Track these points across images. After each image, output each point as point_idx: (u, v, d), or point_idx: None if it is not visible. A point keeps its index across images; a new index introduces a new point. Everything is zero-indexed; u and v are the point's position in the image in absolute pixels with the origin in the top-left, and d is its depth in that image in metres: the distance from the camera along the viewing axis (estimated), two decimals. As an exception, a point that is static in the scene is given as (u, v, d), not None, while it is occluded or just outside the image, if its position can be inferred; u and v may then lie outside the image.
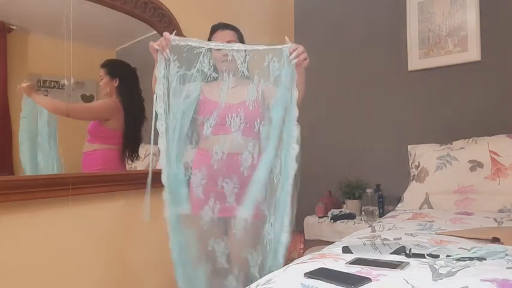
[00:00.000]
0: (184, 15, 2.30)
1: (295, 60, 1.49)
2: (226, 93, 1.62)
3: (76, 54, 1.78)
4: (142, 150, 2.17)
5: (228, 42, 1.66)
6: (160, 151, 1.55)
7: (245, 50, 1.57)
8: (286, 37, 1.55)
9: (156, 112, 1.51)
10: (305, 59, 1.51)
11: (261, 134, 1.63)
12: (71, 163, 1.84)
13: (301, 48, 1.51)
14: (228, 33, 1.74)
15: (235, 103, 1.64)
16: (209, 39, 1.75)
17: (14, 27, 1.66)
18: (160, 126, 1.51)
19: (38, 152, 1.76)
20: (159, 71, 1.49)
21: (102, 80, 2.03)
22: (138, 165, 2.20)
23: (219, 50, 1.61)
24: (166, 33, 1.52)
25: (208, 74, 1.61)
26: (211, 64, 1.61)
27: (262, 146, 1.62)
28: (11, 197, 1.51)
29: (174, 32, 1.55)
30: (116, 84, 2.04)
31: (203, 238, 1.62)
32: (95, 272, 1.82)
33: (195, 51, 1.55)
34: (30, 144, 1.73)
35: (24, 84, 1.70)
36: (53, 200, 1.65)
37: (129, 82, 2.09)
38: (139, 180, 1.99)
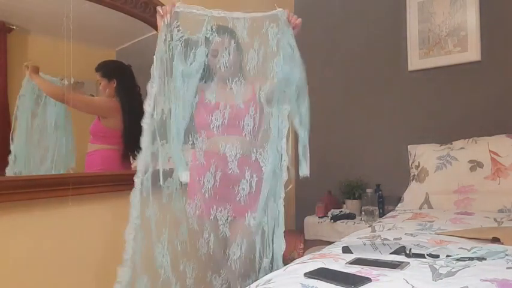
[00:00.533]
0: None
1: (296, 22, 1.59)
2: (227, 92, 1.62)
3: (76, 54, 1.78)
4: None
5: (225, 48, 1.63)
6: (144, 130, 1.50)
7: (244, 18, 1.57)
8: (275, 5, 1.58)
9: (152, 83, 1.46)
10: (297, 19, 1.61)
11: (260, 133, 1.65)
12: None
13: (290, 12, 1.58)
14: (222, 40, 1.64)
15: (238, 103, 1.63)
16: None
17: (14, 27, 1.66)
18: (147, 106, 1.48)
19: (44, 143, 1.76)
20: (160, 36, 1.46)
21: (100, 83, 2.03)
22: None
23: (215, 56, 1.62)
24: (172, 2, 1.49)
25: (206, 63, 1.57)
26: (214, 30, 1.54)
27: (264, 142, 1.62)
28: (11, 197, 1.50)
29: (180, 1, 1.51)
30: (115, 86, 2.04)
31: (207, 206, 1.60)
32: (94, 272, 1.82)
33: (199, 19, 1.52)
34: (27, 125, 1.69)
35: (30, 64, 1.69)
36: (53, 200, 1.65)
37: (126, 81, 2.08)
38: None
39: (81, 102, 1.95)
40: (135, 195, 1.45)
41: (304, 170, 1.63)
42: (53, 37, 1.79)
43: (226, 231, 1.60)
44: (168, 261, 1.54)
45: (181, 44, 1.47)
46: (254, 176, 1.60)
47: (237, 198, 1.59)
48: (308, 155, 1.59)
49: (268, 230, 1.62)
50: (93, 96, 2.00)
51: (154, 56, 1.46)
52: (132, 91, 2.09)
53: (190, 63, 1.49)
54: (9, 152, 1.60)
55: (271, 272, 1.45)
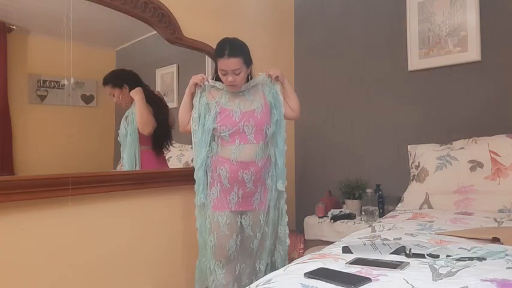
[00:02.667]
0: (184, 15, 2.30)
1: (272, 78, 2.01)
2: (240, 115, 1.93)
3: (76, 54, 1.78)
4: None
5: (233, 70, 1.85)
6: (194, 156, 1.98)
7: (246, 87, 1.98)
8: (259, 73, 2.03)
9: (192, 129, 1.95)
10: (274, 73, 1.99)
11: (267, 135, 1.99)
12: (70, 163, 1.84)
13: (269, 70, 2.01)
14: (233, 63, 1.85)
15: (248, 110, 1.94)
16: (215, 58, 1.94)
17: (14, 27, 1.66)
18: (194, 138, 1.95)
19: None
20: (196, 100, 1.94)
21: (114, 96, 2.07)
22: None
23: (224, 75, 1.89)
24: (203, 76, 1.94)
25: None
26: (227, 98, 1.96)
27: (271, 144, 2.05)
28: (11, 197, 1.51)
29: (210, 77, 1.99)
30: (128, 91, 2.07)
31: (233, 216, 1.95)
32: (94, 271, 1.82)
33: (217, 89, 1.97)
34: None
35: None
36: (53, 200, 1.65)
37: (137, 83, 2.12)
38: (138, 180, 2.00)
39: (148, 117, 2.09)
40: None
41: (280, 186, 2.07)
42: (53, 37, 1.79)
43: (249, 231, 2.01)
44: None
45: (204, 107, 1.94)
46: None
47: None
48: (284, 175, 2.07)
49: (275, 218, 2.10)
50: (93, 96, 2.00)
51: (191, 117, 1.95)
52: (146, 89, 2.13)
53: (207, 120, 1.93)
54: (11, 151, 1.61)
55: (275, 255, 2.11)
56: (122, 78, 2.08)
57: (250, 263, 2.05)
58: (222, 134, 1.90)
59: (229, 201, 1.92)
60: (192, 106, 1.95)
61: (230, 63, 1.83)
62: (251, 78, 2.02)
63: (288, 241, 2.11)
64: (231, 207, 1.92)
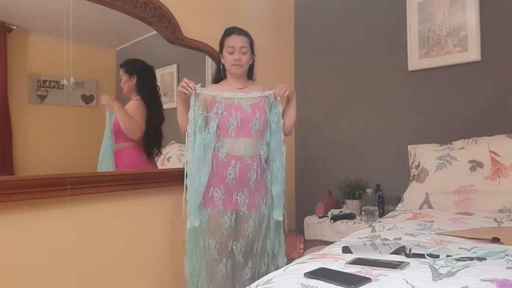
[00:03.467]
0: (184, 15, 2.30)
1: (278, 98, 1.91)
2: (236, 129, 1.87)
3: (76, 54, 1.78)
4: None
5: (241, 47, 1.88)
6: (188, 175, 1.86)
7: (246, 98, 1.90)
8: (268, 89, 1.97)
9: (186, 144, 1.86)
10: (285, 90, 1.90)
11: (262, 152, 1.92)
12: (70, 163, 1.84)
13: (280, 86, 1.92)
14: (241, 40, 1.90)
15: (244, 125, 1.88)
16: (222, 41, 1.95)
17: (14, 27, 1.66)
18: (189, 155, 1.86)
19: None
20: (190, 113, 1.85)
21: (122, 79, 2.07)
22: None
23: (231, 53, 1.90)
24: (190, 83, 1.83)
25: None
26: (224, 106, 1.88)
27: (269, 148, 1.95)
28: (11, 197, 1.51)
29: (199, 84, 1.86)
30: (134, 82, 2.07)
31: (224, 240, 1.87)
32: (94, 271, 1.82)
33: (212, 100, 1.88)
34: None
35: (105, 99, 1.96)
36: (52, 200, 1.65)
37: (147, 79, 2.13)
38: (137, 180, 2.00)
39: (133, 124, 2.05)
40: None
41: (277, 216, 1.95)
42: (53, 37, 1.79)
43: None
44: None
45: (201, 119, 1.86)
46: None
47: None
48: (282, 202, 1.94)
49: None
50: (93, 96, 2.00)
51: (186, 132, 1.86)
52: (152, 90, 2.14)
53: (207, 135, 1.86)
54: (11, 151, 1.61)
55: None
56: (135, 69, 2.08)
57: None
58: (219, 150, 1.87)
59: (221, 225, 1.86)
60: (187, 111, 1.89)
61: (238, 39, 1.89)
62: (253, 71, 2.03)
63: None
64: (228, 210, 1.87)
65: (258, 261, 1.96)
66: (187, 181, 1.85)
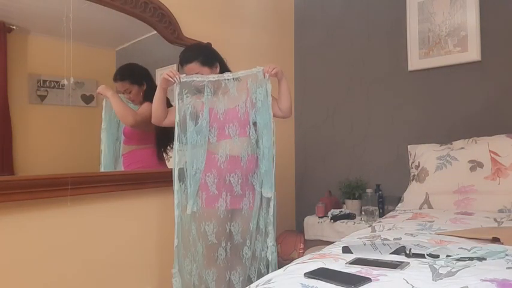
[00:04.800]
0: (184, 15, 2.30)
1: (267, 75, 1.87)
2: (224, 114, 1.90)
3: (76, 54, 1.78)
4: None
5: (197, 73, 1.89)
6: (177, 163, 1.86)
7: (232, 78, 1.90)
8: (257, 66, 1.90)
9: (176, 134, 1.85)
10: (274, 68, 1.87)
11: (251, 133, 1.92)
12: (70, 163, 1.84)
13: (270, 64, 1.89)
14: (191, 67, 1.92)
15: (231, 107, 1.90)
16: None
17: (14, 27, 1.66)
18: (180, 145, 1.87)
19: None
20: (177, 103, 1.86)
21: (130, 92, 2.06)
22: None
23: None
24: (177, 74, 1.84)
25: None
26: (212, 91, 1.90)
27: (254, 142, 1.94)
28: (11, 197, 1.51)
29: (184, 74, 1.87)
30: (145, 89, 2.09)
31: (222, 223, 1.88)
32: (94, 271, 1.82)
33: (200, 84, 1.88)
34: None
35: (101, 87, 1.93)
36: (52, 200, 1.65)
37: (153, 82, 2.13)
38: (137, 180, 2.00)
39: (143, 122, 2.02)
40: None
41: (266, 193, 1.92)
42: (53, 37, 1.79)
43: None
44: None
45: (191, 106, 1.89)
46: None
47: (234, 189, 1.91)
48: (271, 179, 1.90)
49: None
50: (93, 96, 2.00)
51: (176, 122, 1.85)
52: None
53: (200, 122, 1.87)
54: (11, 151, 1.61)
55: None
56: (142, 76, 2.09)
57: (243, 270, 1.96)
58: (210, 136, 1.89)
59: (218, 201, 1.87)
60: (165, 100, 1.91)
61: (189, 68, 1.91)
62: (227, 68, 2.02)
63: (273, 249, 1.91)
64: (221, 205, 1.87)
65: (254, 240, 1.94)
66: (186, 168, 1.86)
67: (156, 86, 2.00)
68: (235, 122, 1.89)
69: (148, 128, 2.05)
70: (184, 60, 1.94)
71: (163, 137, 2.14)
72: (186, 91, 1.88)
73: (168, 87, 1.89)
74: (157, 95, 1.89)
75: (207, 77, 1.89)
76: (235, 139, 1.88)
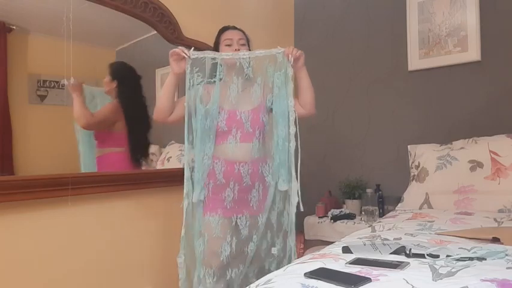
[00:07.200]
0: (184, 15, 2.30)
1: (291, 58, 1.68)
2: (237, 97, 1.74)
3: (76, 54, 1.78)
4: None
5: (239, 39, 1.80)
6: (188, 149, 1.73)
7: (249, 57, 1.71)
8: (278, 46, 1.72)
9: (186, 116, 1.70)
10: (298, 50, 1.69)
11: (266, 121, 1.80)
12: (70, 163, 1.84)
13: (291, 47, 1.71)
14: (238, 33, 1.85)
15: (249, 109, 1.77)
16: (217, 39, 1.87)
17: (14, 27, 1.66)
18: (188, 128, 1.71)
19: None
20: (187, 84, 1.69)
21: (108, 87, 2.03)
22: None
23: (229, 45, 1.79)
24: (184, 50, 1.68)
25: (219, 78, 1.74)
26: (224, 70, 1.73)
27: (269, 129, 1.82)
28: (11, 197, 1.51)
29: (193, 48, 1.71)
30: (114, 86, 2.03)
31: (228, 215, 1.76)
32: (94, 271, 1.82)
33: (212, 62, 1.71)
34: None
35: (71, 81, 1.79)
36: (53, 200, 1.65)
37: (128, 85, 2.06)
38: (138, 180, 2.00)
39: (98, 124, 1.96)
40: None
41: (281, 187, 1.79)
42: (53, 37, 1.79)
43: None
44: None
45: (202, 87, 1.72)
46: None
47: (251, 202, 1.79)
48: (284, 172, 1.78)
49: (276, 223, 1.84)
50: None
51: (185, 103, 1.70)
52: (134, 95, 2.08)
53: (209, 104, 1.72)
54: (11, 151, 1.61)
55: (283, 259, 1.80)
56: (116, 74, 2.03)
57: (244, 268, 1.82)
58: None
59: (223, 199, 1.73)
60: (174, 90, 1.72)
61: (235, 33, 1.84)
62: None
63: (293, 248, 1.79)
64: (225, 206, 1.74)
65: (260, 236, 1.79)
66: (194, 154, 1.72)
67: (135, 90, 2.00)
68: (248, 110, 1.74)
69: (119, 127, 2.00)
70: (233, 27, 1.86)
71: (136, 141, 2.06)
72: (198, 69, 1.69)
73: (180, 71, 1.68)
74: (166, 84, 1.71)
75: (220, 54, 1.72)
76: (247, 125, 1.73)
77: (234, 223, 1.77)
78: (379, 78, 2.85)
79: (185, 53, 1.65)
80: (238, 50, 1.76)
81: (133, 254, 2.00)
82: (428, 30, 2.63)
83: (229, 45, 1.80)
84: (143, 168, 2.14)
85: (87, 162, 1.93)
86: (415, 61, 2.67)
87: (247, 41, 1.87)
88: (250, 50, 1.84)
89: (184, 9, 2.32)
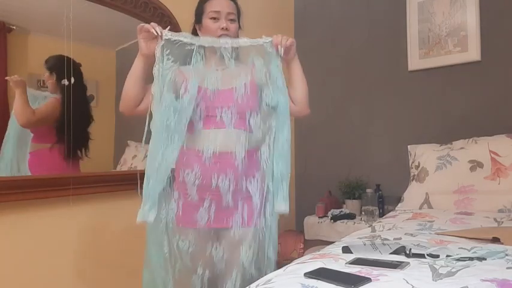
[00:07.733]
0: (184, 15, 2.30)
1: (281, 48, 1.40)
2: (215, 76, 1.41)
3: (76, 54, 1.78)
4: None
5: (228, 13, 1.44)
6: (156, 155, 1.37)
7: (231, 47, 1.41)
8: (263, 36, 1.44)
9: (151, 111, 1.35)
10: (288, 39, 1.41)
11: (252, 124, 1.42)
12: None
13: (279, 35, 1.41)
14: (228, 4, 1.47)
15: (226, 88, 1.42)
16: (200, 8, 1.50)
17: (14, 27, 1.66)
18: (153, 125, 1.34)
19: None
20: (156, 68, 1.35)
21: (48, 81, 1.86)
22: (139, 166, 2.18)
23: (215, 20, 1.44)
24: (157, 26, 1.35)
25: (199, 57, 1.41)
26: (204, 59, 1.42)
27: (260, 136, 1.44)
28: (11, 197, 1.51)
29: (168, 27, 1.38)
30: (54, 79, 1.84)
31: (201, 243, 1.41)
32: (95, 271, 1.82)
33: (186, 48, 1.38)
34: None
35: (14, 78, 1.63)
36: (54, 200, 1.65)
37: (68, 77, 1.86)
38: (137, 180, 1.99)
39: (39, 122, 1.80)
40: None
41: (279, 206, 1.40)
42: (53, 37, 1.79)
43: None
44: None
45: (171, 73, 1.36)
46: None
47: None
48: (286, 188, 1.40)
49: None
50: (93, 96, 1.99)
51: (152, 93, 1.36)
52: (75, 89, 1.88)
53: (182, 95, 1.35)
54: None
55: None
56: (53, 66, 1.84)
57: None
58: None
59: (197, 214, 1.39)
60: (142, 76, 1.38)
61: (225, 3, 1.44)
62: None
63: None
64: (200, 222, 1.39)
65: (246, 271, 1.40)
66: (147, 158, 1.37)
67: (77, 82, 1.81)
68: (231, 107, 1.38)
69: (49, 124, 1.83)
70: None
71: (74, 136, 1.84)
72: (168, 52, 1.35)
73: (150, 52, 1.35)
74: (132, 68, 1.39)
75: (198, 39, 1.39)
76: (229, 129, 1.38)
77: (208, 253, 1.42)
78: (379, 78, 2.85)
79: (156, 31, 1.32)
80: (226, 29, 1.42)
81: (135, 253, 2.00)
82: (428, 30, 2.63)
83: (214, 19, 1.44)
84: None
85: (14, 167, 1.69)
86: (415, 61, 2.67)
87: (239, 13, 1.52)
88: (240, 27, 1.52)
89: (184, 9, 2.32)
